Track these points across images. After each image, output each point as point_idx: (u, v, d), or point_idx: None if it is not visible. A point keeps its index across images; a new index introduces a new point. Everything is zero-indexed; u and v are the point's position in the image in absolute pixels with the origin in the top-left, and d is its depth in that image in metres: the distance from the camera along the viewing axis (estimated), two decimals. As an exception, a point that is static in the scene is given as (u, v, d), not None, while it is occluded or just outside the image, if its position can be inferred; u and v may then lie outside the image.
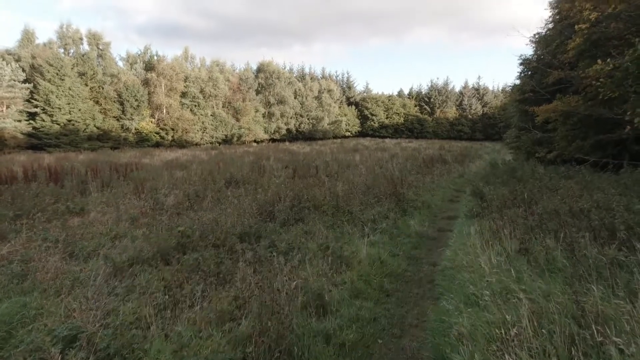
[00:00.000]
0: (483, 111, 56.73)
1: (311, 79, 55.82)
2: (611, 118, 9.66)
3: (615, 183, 8.56)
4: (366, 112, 58.37)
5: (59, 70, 28.58)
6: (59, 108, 28.14)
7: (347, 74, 68.70)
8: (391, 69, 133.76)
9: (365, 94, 62.87)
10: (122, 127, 33.02)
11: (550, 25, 15.37)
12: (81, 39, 34.51)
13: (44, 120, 27.70)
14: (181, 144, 36.06)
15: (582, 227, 5.18)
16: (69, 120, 28.70)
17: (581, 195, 7.16)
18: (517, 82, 18.29)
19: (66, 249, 5.56)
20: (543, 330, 2.89)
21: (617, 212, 5.52)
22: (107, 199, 9.16)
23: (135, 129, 33.89)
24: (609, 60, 7.77)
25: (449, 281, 4.77)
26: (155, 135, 35.30)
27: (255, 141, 43.53)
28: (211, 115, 40.23)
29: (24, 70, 28.23)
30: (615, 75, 7.55)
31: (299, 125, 50.43)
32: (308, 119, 51.22)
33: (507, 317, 3.13)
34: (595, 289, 3.38)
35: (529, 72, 16.71)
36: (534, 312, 3.14)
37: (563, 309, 3.13)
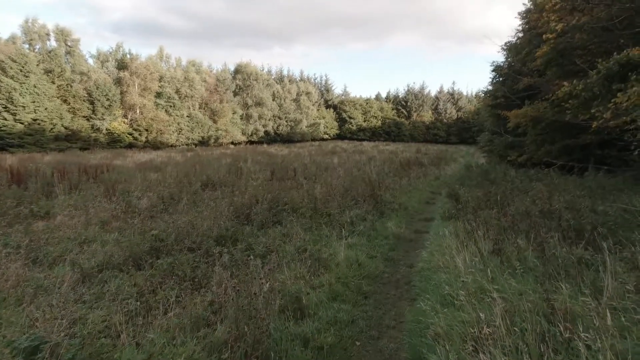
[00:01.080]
0: (458, 115, 58.31)
1: (290, 81, 55.66)
2: (577, 124, 10.15)
3: (580, 185, 9.00)
4: (344, 115, 58.78)
5: (22, 67, 27.16)
6: (23, 106, 26.72)
7: (326, 76, 69.20)
8: (369, 73, 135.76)
9: (343, 97, 63.30)
10: (92, 128, 31.72)
11: (520, 34, 16.01)
12: (48, 34, 32.94)
13: (5, 119, 26.19)
14: (156, 145, 34.98)
15: (551, 228, 5.38)
16: (34, 120, 27.30)
17: (550, 197, 7.45)
18: (490, 87, 18.92)
19: (29, 254, 5.24)
20: (515, 329, 2.97)
21: (583, 213, 5.78)
22: (75, 202, 8.74)
23: (106, 130, 32.64)
24: (574, 81, 8.30)
25: (426, 282, 4.83)
26: (128, 136, 34.12)
27: (232, 143, 42.93)
28: (187, 116, 39.35)
29: (-17, 67, 26.69)
30: (582, 97, 8.03)
31: (277, 128, 50.14)
32: (286, 121, 51.01)
33: (481, 316, 3.19)
34: (564, 287, 3.51)
35: (501, 79, 17.34)
36: (507, 310, 3.22)
37: (534, 307, 3.23)
